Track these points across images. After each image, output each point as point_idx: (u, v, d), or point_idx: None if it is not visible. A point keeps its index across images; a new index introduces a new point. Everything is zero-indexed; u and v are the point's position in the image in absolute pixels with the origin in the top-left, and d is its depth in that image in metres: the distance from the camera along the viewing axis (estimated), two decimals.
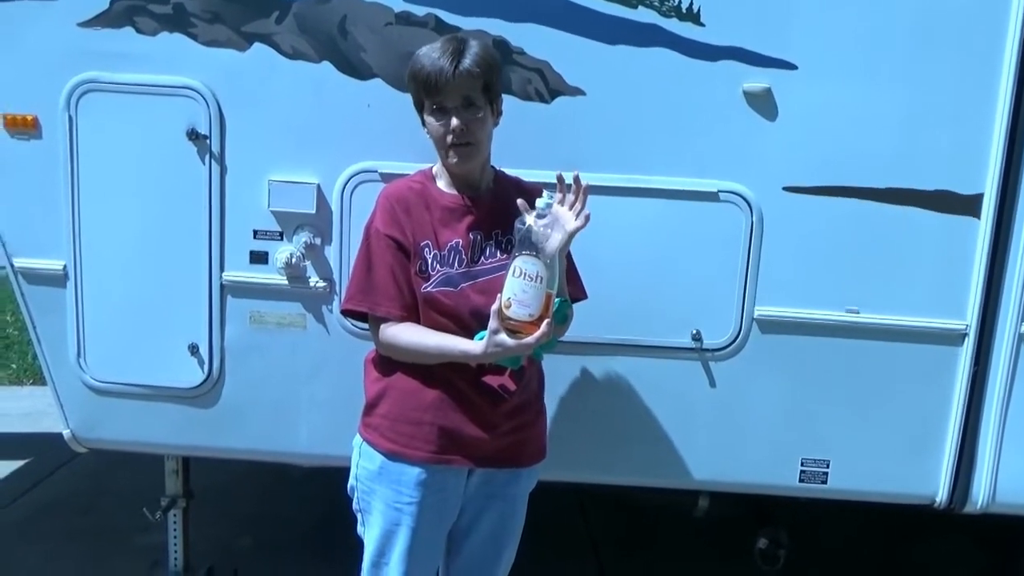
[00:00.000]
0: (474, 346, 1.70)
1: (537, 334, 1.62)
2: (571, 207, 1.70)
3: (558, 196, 1.73)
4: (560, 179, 1.74)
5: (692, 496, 2.58)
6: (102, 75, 2.13)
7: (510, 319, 1.64)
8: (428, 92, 1.72)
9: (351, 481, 1.90)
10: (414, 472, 1.79)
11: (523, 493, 1.94)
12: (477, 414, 1.79)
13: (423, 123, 1.81)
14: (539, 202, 1.66)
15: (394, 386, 1.82)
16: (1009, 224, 2.18)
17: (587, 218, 1.69)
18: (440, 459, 1.79)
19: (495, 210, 1.82)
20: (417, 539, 1.81)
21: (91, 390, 2.28)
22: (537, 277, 1.62)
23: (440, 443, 1.78)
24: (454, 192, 1.83)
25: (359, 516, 1.90)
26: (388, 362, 1.83)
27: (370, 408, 1.86)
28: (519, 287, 1.63)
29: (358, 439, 1.88)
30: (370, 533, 1.87)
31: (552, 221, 1.66)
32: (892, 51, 2.12)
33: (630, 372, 2.26)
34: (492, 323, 1.64)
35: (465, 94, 1.71)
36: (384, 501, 1.82)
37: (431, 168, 1.88)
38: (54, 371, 2.29)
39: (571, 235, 1.69)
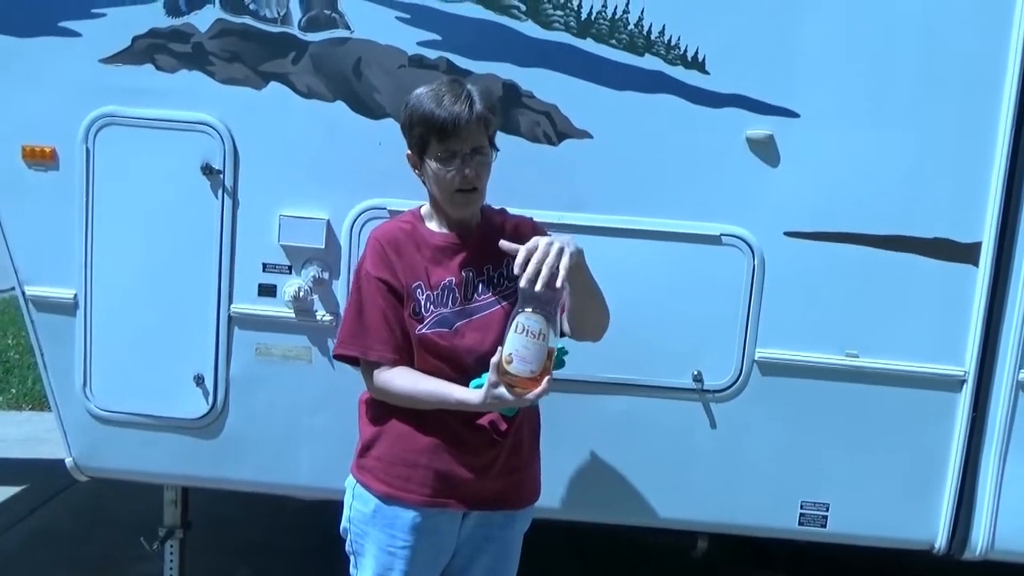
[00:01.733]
0: (471, 395, 1.68)
1: (537, 391, 1.60)
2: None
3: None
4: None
5: (691, 537, 2.58)
6: (121, 110, 2.18)
7: (510, 374, 1.61)
8: (441, 137, 1.69)
9: (344, 523, 1.87)
10: (409, 516, 1.76)
11: (518, 535, 1.92)
12: (472, 456, 1.77)
13: (415, 165, 1.78)
14: None
15: (389, 428, 1.79)
16: (1007, 272, 2.21)
17: (571, 256, 1.61)
18: (436, 503, 1.77)
19: (485, 246, 1.79)
20: None
21: (95, 419, 2.29)
22: (539, 334, 1.59)
23: (435, 487, 1.76)
24: (444, 231, 1.80)
25: (352, 558, 1.87)
26: (382, 404, 1.80)
27: (364, 450, 1.82)
28: (521, 343, 1.59)
29: (351, 480, 1.85)
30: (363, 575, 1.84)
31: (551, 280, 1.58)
32: (893, 101, 2.17)
33: (630, 412, 2.27)
34: (491, 376, 1.62)
35: (477, 142, 1.71)
36: (377, 544, 1.79)
37: (420, 208, 1.85)
38: (59, 399, 2.30)
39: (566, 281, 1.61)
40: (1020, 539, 2.32)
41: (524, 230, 1.83)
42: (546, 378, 1.61)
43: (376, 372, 1.76)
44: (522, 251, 1.61)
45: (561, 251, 1.60)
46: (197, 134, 2.18)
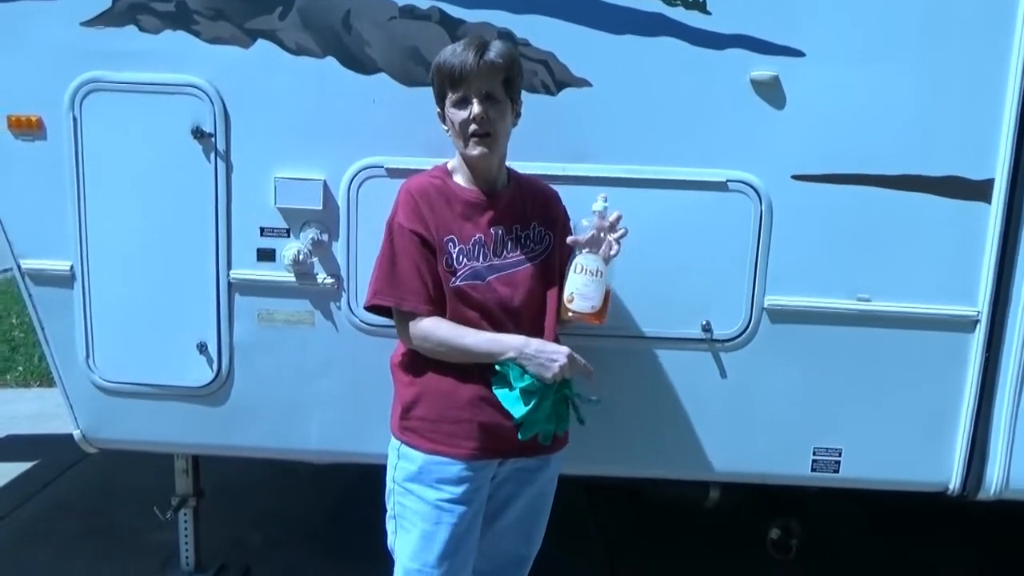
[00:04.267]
0: (519, 338, 1.77)
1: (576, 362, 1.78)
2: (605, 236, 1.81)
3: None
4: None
5: (703, 488, 2.58)
6: (106, 74, 2.12)
7: (572, 311, 1.78)
8: (452, 83, 1.75)
9: (389, 485, 1.90)
10: (456, 469, 1.81)
11: (552, 477, 1.97)
12: None
13: (442, 119, 1.83)
14: (596, 205, 1.77)
15: (429, 388, 1.84)
16: (1020, 209, 2.16)
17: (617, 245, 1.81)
18: (482, 455, 1.82)
19: (513, 206, 1.87)
20: (457, 536, 1.82)
21: (100, 390, 2.28)
22: (597, 272, 1.76)
23: (481, 439, 1.81)
24: (473, 188, 1.85)
25: (392, 523, 1.90)
26: (418, 364, 1.84)
27: (406, 411, 1.86)
28: (581, 282, 1.77)
29: (395, 442, 1.89)
30: (407, 537, 1.86)
31: (612, 222, 1.79)
32: (900, 37, 2.10)
33: (641, 364, 2.25)
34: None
35: (487, 87, 1.74)
36: (425, 500, 1.83)
37: (447, 163, 1.89)
38: (63, 372, 2.29)
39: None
40: None
41: (550, 200, 1.94)
42: (604, 318, 1.80)
43: (412, 323, 1.80)
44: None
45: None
46: (185, 97, 2.12)
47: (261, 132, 2.15)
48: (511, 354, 1.76)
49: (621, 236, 1.80)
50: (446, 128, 1.83)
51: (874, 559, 3.22)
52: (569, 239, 1.78)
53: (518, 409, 1.76)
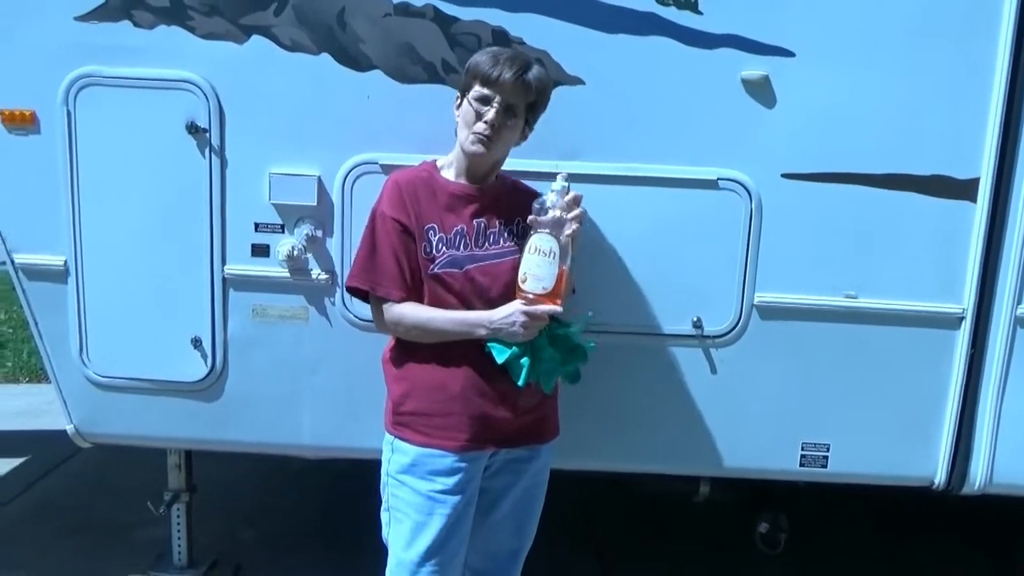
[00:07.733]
0: (484, 314, 1.79)
1: (546, 307, 1.75)
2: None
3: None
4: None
5: (693, 482, 2.61)
6: (100, 69, 2.12)
7: (525, 292, 1.75)
8: (484, 81, 1.78)
9: (383, 478, 1.93)
10: (448, 461, 1.84)
11: (543, 468, 2.00)
12: (501, 396, 1.85)
13: (458, 106, 1.84)
14: (554, 185, 1.75)
15: (419, 382, 1.87)
16: (1005, 208, 2.19)
17: (579, 220, 1.78)
18: (473, 446, 1.85)
19: (498, 201, 1.90)
20: (449, 527, 1.85)
21: (94, 385, 2.28)
22: (550, 252, 1.72)
23: (472, 431, 1.84)
24: (460, 181, 1.88)
25: (387, 515, 1.93)
26: (406, 358, 1.88)
27: (398, 407, 1.90)
28: (534, 262, 1.74)
29: (389, 437, 1.92)
30: (400, 528, 1.88)
31: (568, 203, 1.76)
32: (889, 37, 2.13)
33: (631, 359, 2.27)
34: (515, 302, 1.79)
35: (513, 100, 1.79)
36: (418, 492, 1.85)
37: (435, 160, 1.93)
38: (56, 367, 2.29)
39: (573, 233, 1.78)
40: (1017, 473, 2.34)
41: (529, 196, 1.92)
42: (558, 300, 1.75)
43: (386, 307, 1.85)
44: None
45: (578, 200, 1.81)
46: (180, 92, 2.12)
47: (256, 128, 2.16)
48: (482, 332, 1.80)
49: (577, 216, 1.76)
50: (457, 114, 1.85)
51: (869, 555, 3.24)
52: (529, 219, 1.78)
53: (519, 375, 1.79)
